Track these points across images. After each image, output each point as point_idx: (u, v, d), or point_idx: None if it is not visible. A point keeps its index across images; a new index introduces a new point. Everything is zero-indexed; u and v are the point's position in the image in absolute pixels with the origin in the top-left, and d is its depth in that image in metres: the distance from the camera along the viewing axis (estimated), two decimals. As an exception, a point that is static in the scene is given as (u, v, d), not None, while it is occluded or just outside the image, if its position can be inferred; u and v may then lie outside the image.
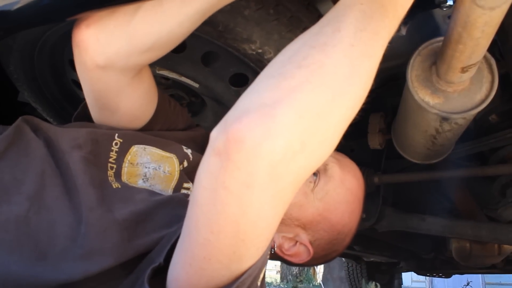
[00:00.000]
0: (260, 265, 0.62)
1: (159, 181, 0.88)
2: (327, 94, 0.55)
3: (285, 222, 0.89)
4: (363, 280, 3.98)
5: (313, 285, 8.11)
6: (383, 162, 1.52)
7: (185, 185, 0.91)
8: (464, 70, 0.82)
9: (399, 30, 0.96)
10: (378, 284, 4.03)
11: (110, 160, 0.85)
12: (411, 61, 0.94)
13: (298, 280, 8.37)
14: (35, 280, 0.67)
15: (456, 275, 4.51)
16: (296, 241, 0.91)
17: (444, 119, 0.93)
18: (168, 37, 0.81)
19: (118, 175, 0.84)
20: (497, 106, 1.34)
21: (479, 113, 1.38)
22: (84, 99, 0.94)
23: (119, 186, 0.81)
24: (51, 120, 1.37)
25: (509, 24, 1.03)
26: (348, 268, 4.14)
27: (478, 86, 0.91)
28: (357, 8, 0.61)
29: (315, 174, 0.92)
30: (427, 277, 5.85)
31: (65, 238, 0.71)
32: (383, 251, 2.80)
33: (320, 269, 7.83)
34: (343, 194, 0.92)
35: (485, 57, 0.92)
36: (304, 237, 0.91)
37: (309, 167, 0.56)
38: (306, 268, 8.54)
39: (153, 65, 1.04)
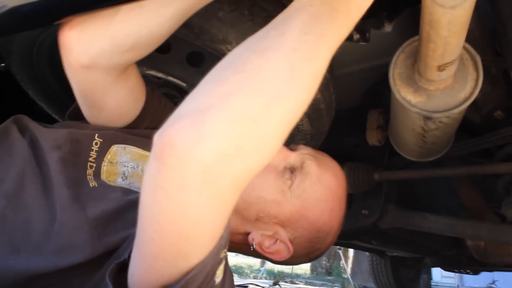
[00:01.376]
0: (210, 262, 0.63)
1: (138, 179, 0.90)
2: (263, 99, 0.55)
3: (264, 220, 0.90)
4: None
5: (342, 278, 8.07)
6: (385, 159, 1.49)
7: None
8: (440, 68, 0.80)
9: (383, 26, 0.94)
10: None
11: (90, 159, 0.88)
12: (394, 58, 0.92)
13: (328, 272, 8.36)
14: (7, 271, 0.71)
15: (487, 273, 4.40)
16: (276, 239, 0.92)
17: (427, 118, 0.91)
18: (148, 37, 0.83)
19: (97, 174, 0.87)
20: (503, 102, 1.29)
21: (484, 109, 1.35)
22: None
23: (96, 185, 0.83)
24: (56, 117, 1.41)
25: (508, 17, 0.99)
26: (372, 262, 4.09)
27: (462, 84, 0.88)
28: (306, 10, 0.60)
29: (292, 171, 0.92)
30: (457, 273, 5.72)
31: (39, 234, 0.75)
32: (402, 247, 2.76)
33: (349, 262, 7.78)
34: (321, 192, 0.91)
35: (470, 54, 0.89)
36: (284, 234, 0.91)
37: (249, 170, 0.57)
38: (336, 261, 8.52)
39: (141, 65, 1.06)
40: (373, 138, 1.33)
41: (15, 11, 0.77)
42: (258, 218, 0.89)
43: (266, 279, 7.24)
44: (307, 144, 1.19)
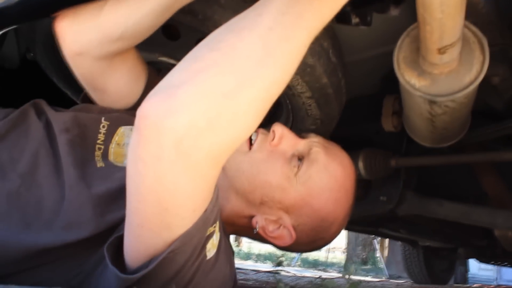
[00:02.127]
0: (196, 235, 0.66)
1: None
2: (235, 75, 0.57)
3: (268, 204, 0.92)
4: None
5: (378, 267, 7.99)
6: (404, 145, 1.48)
7: None
8: (441, 51, 0.79)
9: (389, 10, 0.93)
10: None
11: (98, 141, 0.92)
12: (399, 42, 0.91)
13: (363, 261, 8.31)
14: (18, 244, 0.76)
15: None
16: (280, 224, 0.93)
17: (432, 102, 0.90)
18: (134, 28, 0.86)
19: (105, 155, 0.91)
20: (525, 86, 1.25)
21: (504, 94, 1.31)
22: None
23: (103, 165, 0.88)
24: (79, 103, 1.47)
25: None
26: (405, 252, 4.04)
27: (467, 68, 0.87)
28: None
29: (300, 159, 0.93)
30: (495, 266, 5.56)
31: (49, 211, 0.80)
32: (430, 236, 2.71)
33: (384, 251, 7.69)
34: (327, 181, 0.92)
35: (477, 36, 0.87)
36: (287, 220, 0.93)
37: (223, 144, 0.60)
38: (372, 250, 8.45)
39: (154, 52, 1.09)
40: (388, 124, 1.32)
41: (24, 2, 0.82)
42: (262, 202, 0.91)
43: (300, 266, 7.28)
44: (317, 129, 1.20)
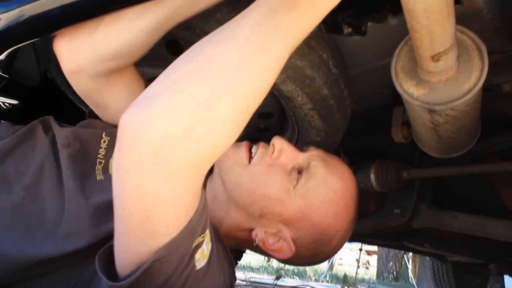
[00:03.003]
0: (183, 244, 0.67)
1: None
2: (211, 86, 0.58)
3: (267, 217, 0.92)
4: None
5: (410, 284, 7.79)
6: (417, 156, 1.45)
7: None
8: (434, 59, 0.78)
9: (386, 20, 0.92)
10: None
11: (99, 156, 0.94)
12: (397, 51, 0.91)
13: (395, 277, 8.11)
14: (21, 254, 0.79)
15: None
16: (280, 237, 0.93)
17: (431, 111, 0.88)
18: (127, 47, 0.88)
19: (105, 169, 0.93)
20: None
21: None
22: None
23: (103, 178, 0.90)
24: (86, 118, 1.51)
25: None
26: (434, 267, 3.93)
27: (466, 75, 0.85)
28: (266, 3, 0.63)
29: (299, 172, 0.93)
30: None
31: (51, 222, 0.82)
32: (458, 250, 2.63)
33: (415, 268, 7.49)
34: (326, 194, 0.92)
35: (476, 43, 0.85)
36: (287, 233, 0.92)
37: (203, 153, 0.60)
38: (403, 266, 8.25)
39: (157, 67, 1.12)
40: (398, 135, 1.30)
41: (33, 19, 0.86)
42: (262, 215, 0.91)
43: (328, 282, 7.16)
44: (323, 140, 1.19)
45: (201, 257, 0.73)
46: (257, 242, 0.93)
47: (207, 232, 0.73)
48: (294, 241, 0.93)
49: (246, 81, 0.60)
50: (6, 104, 1.66)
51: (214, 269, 0.78)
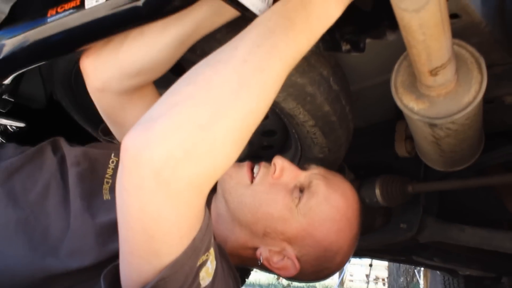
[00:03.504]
0: (187, 263, 0.68)
1: None
2: (210, 107, 0.59)
3: (271, 236, 0.92)
4: None
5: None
6: (422, 170, 1.45)
7: None
8: (432, 73, 0.78)
9: (385, 36, 0.93)
10: None
11: (107, 176, 0.96)
12: (396, 66, 0.91)
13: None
14: (25, 270, 0.80)
15: None
16: (284, 255, 0.93)
17: (432, 125, 0.88)
18: (151, 63, 0.90)
19: (112, 189, 0.94)
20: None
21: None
22: None
23: (109, 198, 0.91)
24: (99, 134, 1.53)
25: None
26: (445, 282, 3.88)
27: (466, 88, 0.85)
28: (263, 24, 0.64)
29: (301, 190, 0.93)
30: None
31: (55, 239, 0.83)
32: (468, 264, 2.59)
33: (427, 283, 7.39)
34: (328, 211, 0.92)
35: (474, 57, 0.86)
36: (291, 251, 0.93)
37: (204, 173, 0.61)
38: (414, 281, 8.13)
39: (161, 88, 1.13)
40: (402, 149, 1.30)
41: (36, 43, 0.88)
42: (265, 234, 0.92)
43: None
44: (326, 157, 1.19)
45: (206, 275, 0.73)
46: (261, 261, 0.93)
47: (211, 250, 0.74)
48: (298, 258, 0.93)
49: (245, 102, 0.61)
50: (13, 127, 1.68)
51: (219, 287, 0.78)
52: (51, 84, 1.32)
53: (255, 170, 0.97)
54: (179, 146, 0.58)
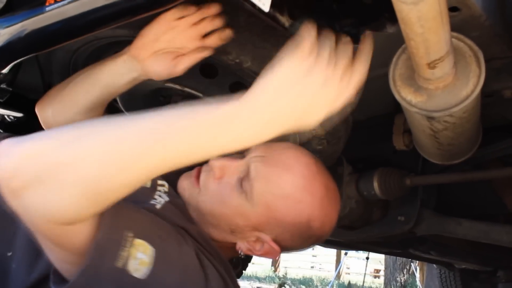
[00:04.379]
0: (96, 269, 0.72)
1: None
2: (75, 154, 0.65)
3: (238, 230, 0.93)
4: None
5: (418, 292, 7.71)
6: (419, 163, 1.45)
7: (159, 182, 1.01)
8: (431, 66, 0.78)
9: (385, 28, 0.93)
10: None
11: None
12: (394, 59, 0.91)
13: (402, 286, 8.04)
14: None
15: None
16: (262, 242, 0.94)
17: (430, 118, 0.89)
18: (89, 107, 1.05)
19: None
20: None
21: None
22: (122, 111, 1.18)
23: None
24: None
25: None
26: (441, 275, 3.89)
27: (464, 81, 0.85)
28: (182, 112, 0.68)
29: (244, 180, 0.92)
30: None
31: None
32: (465, 258, 2.61)
33: (423, 276, 7.43)
34: (274, 190, 0.89)
35: (472, 50, 0.86)
36: (265, 237, 0.93)
37: (50, 208, 0.65)
38: (410, 275, 8.19)
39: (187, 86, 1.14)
40: (399, 142, 1.30)
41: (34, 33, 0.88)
42: (232, 231, 0.93)
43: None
44: (324, 149, 1.20)
45: (140, 266, 0.75)
46: (242, 254, 0.95)
47: (137, 241, 0.75)
48: (275, 240, 0.92)
49: (96, 165, 0.64)
50: (10, 117, 1.68)
51: (215, 286, 0.79)
52: (49, 74, 1.32)
53: (201, 177, 0.96)
54: (30, 171, 0.63)
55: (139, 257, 0.74)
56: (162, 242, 0.79)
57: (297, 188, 0.90)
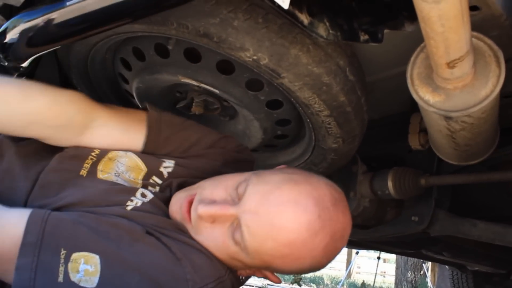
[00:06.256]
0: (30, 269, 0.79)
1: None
2: None
3: (238, 267, 0.95)
4: None
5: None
6: (435, 163, 1.44)
7: (153, 180, 1.03)
8: (450, 65, 0.78)
9: (403, 27, 0.92)
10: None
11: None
12: (412, 58, 0.91)
13: (413, 287, 7.99)
14: None
15: None
16: (261, 272, 0.97)
17: (447, 118, 0.88)
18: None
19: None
20: None
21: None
22: (138, 107, 1.16)
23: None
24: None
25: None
26: (453, 277, 3.86)
27: (483, 81, 0.85)
28: None
29: (236, 234, 0.88)
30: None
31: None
32: (478, 260, 2.59)
33: (434, 277, 7.38)
34: (272, 252, 0.86)
35: (492, 50, 0.85)
36: (265, 272, 0.96)
37: None
38: (421, 275, 8.13)
39: (176, 74, 1.13)
40: (415, 142, 1.29)
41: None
42: (235, 267, 0.94)
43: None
44: (340, 147, 1.19)
45: (89, 276, 0.79)
46: (243, 280, 0.99)
47: (75, 255, 0.80)
48: (273, 273, 0.96)
49: None
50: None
51: (118, 271, 0.81)
52: (67, 69, 1.33)
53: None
54: None
55: (84, 268, 0.79)
56: (108, 246, 0.82)
57: (295, 249, 0.84)
